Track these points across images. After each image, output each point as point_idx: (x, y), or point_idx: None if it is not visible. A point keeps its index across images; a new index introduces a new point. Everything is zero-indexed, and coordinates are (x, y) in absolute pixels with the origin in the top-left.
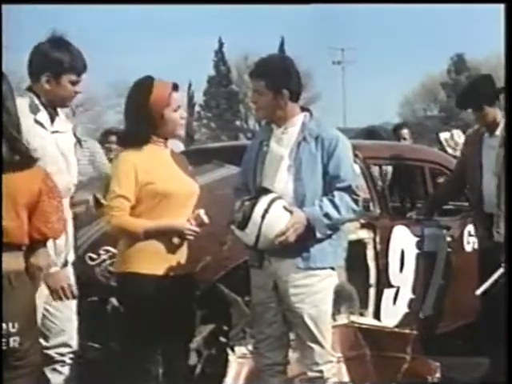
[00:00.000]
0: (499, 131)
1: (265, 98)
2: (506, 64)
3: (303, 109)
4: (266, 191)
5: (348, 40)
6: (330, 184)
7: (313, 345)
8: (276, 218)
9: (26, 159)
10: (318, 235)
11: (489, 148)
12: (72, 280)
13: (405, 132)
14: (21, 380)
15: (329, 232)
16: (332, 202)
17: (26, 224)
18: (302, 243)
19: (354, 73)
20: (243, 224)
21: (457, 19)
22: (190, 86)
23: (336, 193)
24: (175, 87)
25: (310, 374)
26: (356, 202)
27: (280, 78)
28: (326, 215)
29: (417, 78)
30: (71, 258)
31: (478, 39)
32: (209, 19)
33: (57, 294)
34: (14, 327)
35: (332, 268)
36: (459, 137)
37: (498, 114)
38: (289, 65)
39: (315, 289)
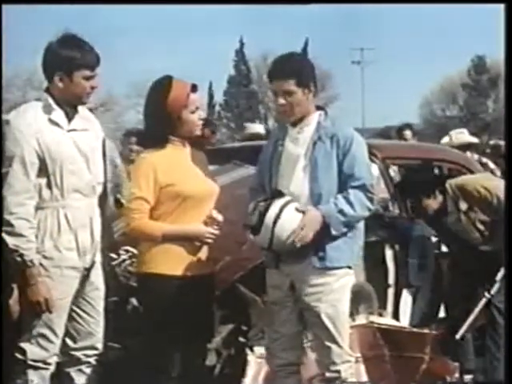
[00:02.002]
0: (450, 208)
1: (296, 97)
2: (506, 64)
3: (318, 107)
4: (280, 194)
5: (367, 40)
6: (345, 183)
7: (330, 344)
8: (288, 222)
9: None
10: (334, 232)
11: (452, 225)
12: (67, 291)
13: (407, 133)
14: None
15: (344, 229)
16: (346, 199)
17: None
18: (317, 241)
19: (373, 73)
20: (256, 229)
21: (476, 19)
22: (210, 85)
23: (350, 190)
24: (194, 88)
25: (328, 374)
26: (371, 200)
27: (307, 74)
28: (341, 212)
29: (436, 78)
30: (98, 258)
31: (497, 39)
32: (229, 19)
33: (33, 306)
34: None
35: (349, 267)
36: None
37: (439, 202)
38: (308, 60)
39: (332, 287)
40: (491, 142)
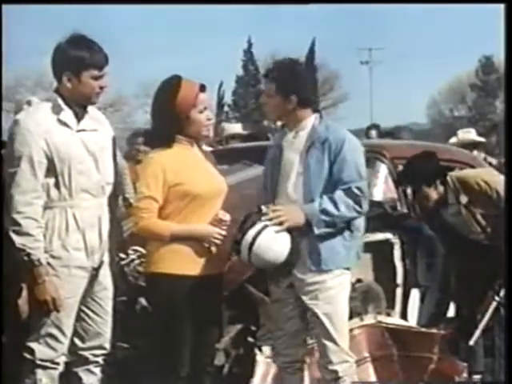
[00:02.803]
0: (450, 200)
1: (273, 101)
2: (506, 64)
3: (315, 111)
4: (260, 213)
5: (376, 40)
6: (335, 186)
7: (327, 342)
8: (262, 249)
9: None
10: (316, 231)
11: (452, 217)
12: (76, 290)
13: (372, 133)
14: None
15: (327, 229)
16: (331, 198)
17: None
18: (306, 242)
19: (381, 73)
20: (237, 250)
21: (484, 19)
22: (220, 85)
23: (337, 191)
24: (202, 88)
25: (327, 376)
26: (358, 202)
27: (289, 83)
28: (324, 211)
29: (444, 78)
30: (107, 258)
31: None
32: (238, 19)
33: (40, 305)
34: None
35: (346, 268)
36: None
37: (439, 192)
38: (300, 70)
39: (328, 285)
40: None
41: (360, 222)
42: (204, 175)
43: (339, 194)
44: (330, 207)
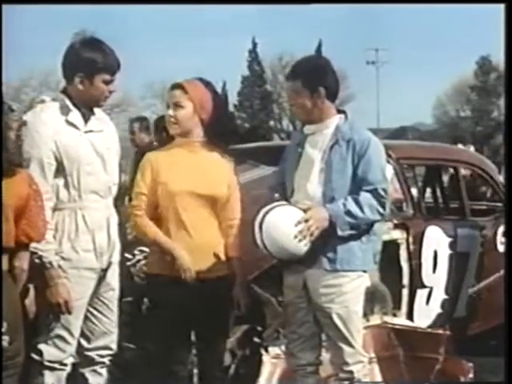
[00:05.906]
0: None
1: (302, 98)
2: (506, 64)
3: (339, 111)
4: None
5: (382, 40)
6: (359, 187)
7: (342, 345)
8: (273, 227)
9: (13, 165)
10: (340, 233)
11: None
12: (86, 293)
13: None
14: (8, 380)
15: (351, 231)
16: (356, 200)
17: (13, 228)
18: (324, 241)
19: (388, 73)
20: (253, 237)
21: (489, 19)
22: (224, 85)
23: (362, 193)
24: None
25: (341, 374)
26: (382, 205)
27: (316, 76)
28: (348, 212)
29: (450, 79)
30: (116, 259)
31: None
32: (245, 19)
33: (52, 308)
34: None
35: (363, 271)
36: None
37: None
38: (324, 63)
39: (345, 289)
40: None
41: (377, 225)
42: (196, 177)
43: (364, 196)
44: (355, 209)
